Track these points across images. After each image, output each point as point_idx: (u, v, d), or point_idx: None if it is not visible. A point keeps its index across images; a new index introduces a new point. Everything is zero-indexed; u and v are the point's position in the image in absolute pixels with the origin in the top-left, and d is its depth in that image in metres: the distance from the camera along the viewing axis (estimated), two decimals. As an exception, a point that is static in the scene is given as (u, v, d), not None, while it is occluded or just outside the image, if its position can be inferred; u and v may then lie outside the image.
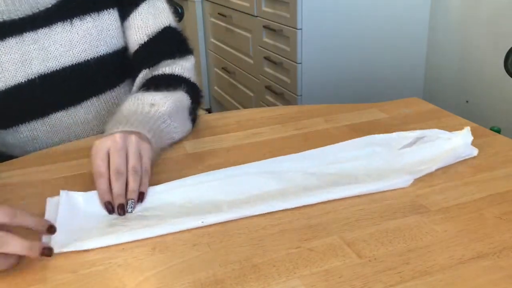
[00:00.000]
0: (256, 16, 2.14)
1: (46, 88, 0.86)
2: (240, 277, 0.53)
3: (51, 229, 0.57)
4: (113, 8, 0.90)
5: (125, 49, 0.94)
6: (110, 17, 0.90)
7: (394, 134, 0.82)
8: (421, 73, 2.08)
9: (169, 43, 0.94)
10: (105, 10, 0.89)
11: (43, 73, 0.85)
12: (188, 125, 0.87)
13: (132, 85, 0.92)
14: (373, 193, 0.68)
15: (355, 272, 0.53)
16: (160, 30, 0.92)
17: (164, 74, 0.88)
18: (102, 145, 0.68)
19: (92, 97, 0.91)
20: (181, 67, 0.90)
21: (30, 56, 0.84)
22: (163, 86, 0.83)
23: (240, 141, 0.86)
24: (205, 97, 2.78)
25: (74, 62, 0.87)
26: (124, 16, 0.92)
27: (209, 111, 2.71)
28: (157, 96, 0.80)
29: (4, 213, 0.53)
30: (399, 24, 1.96)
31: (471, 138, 0.77)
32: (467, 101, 1.93)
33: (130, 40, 0.93)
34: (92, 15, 0.88)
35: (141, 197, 0.65)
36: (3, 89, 0.83)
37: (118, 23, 0.91)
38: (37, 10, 0.84)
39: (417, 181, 0.70)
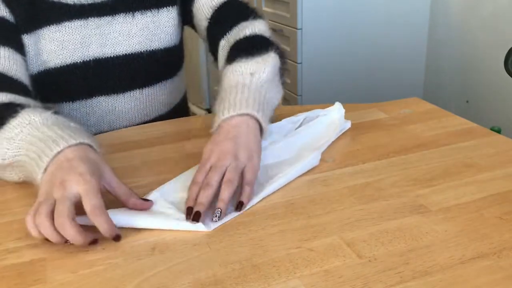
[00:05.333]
0: (256, 16, 2.14)
1: (98, 72, 0.91)
2: (240, 277, 0.53)
3: (117, 238, 0.59)
4: (172, 6, 0.95)
5: (176, 48, 0.98)
6: (168, 14, 0.95)
7: (283, 121, 0.85)
8: (421, 73, 2.08)
9: (238, 9, 0.94)
10: (164, 8, 0.94)
11: (98, 57, 0.91)
12: (281, 89, 0.86)
13: (171, 84, 1.00)
14: (372, 193, 0.68)
15: (355, 272, 0.53)
16: (224, 1, 0.94)
17: (247, 36, 0.87)
18: (208, 155, 0.70)
19: (136, 88, 0.96)
20: (259, 28, 0.89)
21: (90, 39, 0.89)
22: (255, 50, 0.83)
23: (240, 141, 0.86)
24: (205, 97, 2.78)
25: (129, 52, 0.92)
26: (190, 2, 0.95)
27: (209, 111, 2.70)
28: (254, 65, 0.80)
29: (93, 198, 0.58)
30: (399, 24, 1.95)
31: (343, 110, 0.86)
32: (467, 101, 1.93)
33: (201, 22, 0.95)
34: (153, 10, 0.93)
35: (239, 206, 0.65)
36: (59, 66, 0.88)
37: (175, 21, 0.96)
38: None
39: (417, 181, 0.71)
